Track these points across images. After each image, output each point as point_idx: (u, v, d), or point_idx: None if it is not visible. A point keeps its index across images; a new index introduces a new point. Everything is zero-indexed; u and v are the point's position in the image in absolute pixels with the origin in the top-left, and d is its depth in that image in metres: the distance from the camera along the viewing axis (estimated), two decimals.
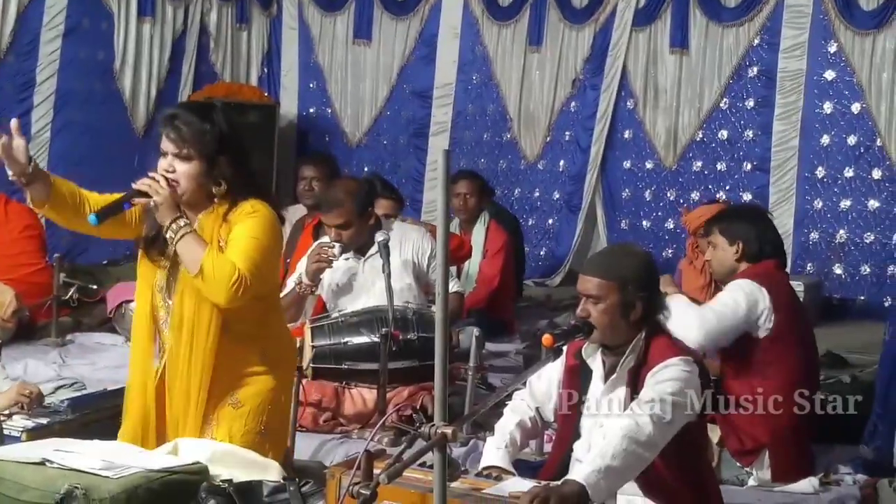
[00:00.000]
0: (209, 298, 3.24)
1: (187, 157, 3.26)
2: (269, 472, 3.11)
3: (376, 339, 4.64)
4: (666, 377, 3.17)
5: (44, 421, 4.02)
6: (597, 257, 3.73)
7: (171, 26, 9.04)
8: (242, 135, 3.46)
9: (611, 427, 3.14)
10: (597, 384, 3.35)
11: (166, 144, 3.29)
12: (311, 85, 10.02)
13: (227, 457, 3.10)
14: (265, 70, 10.02)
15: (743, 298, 4.27)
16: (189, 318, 3.30)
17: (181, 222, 3.20)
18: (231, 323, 3.32)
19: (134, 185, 3.24)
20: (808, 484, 4.26)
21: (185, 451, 3.09)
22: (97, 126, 8.56)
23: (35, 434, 3.84)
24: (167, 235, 3.21)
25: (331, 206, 5.03)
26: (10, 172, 3.17)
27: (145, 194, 3.22)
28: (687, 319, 4.11)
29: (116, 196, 3.30)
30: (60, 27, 8.18)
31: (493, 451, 3.46)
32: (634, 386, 3.23)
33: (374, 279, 4.96)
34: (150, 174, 3.25)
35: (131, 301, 6.22)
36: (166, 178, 3.23)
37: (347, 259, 5.10)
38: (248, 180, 3.37)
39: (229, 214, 3.30)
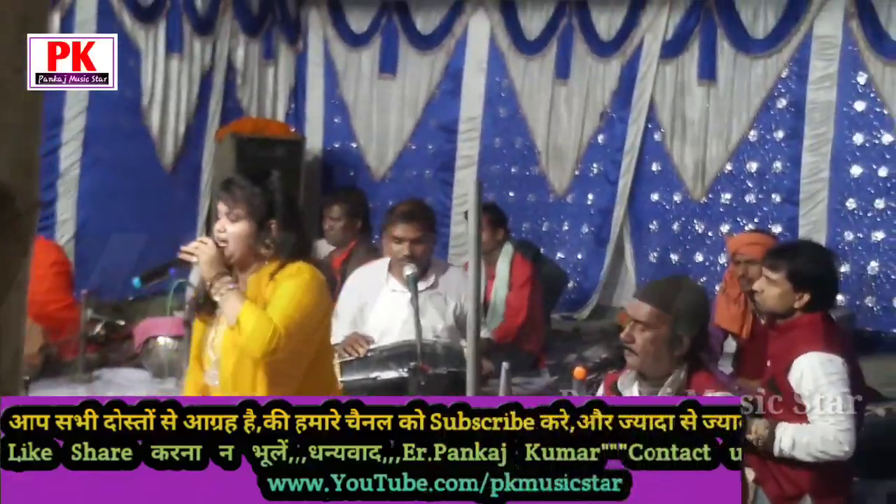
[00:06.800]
0: (246, 352, 3.34)
1: (237, 217, 3.46)
2: None
3: (405, 374, 4.59)
4: None
5: None
6: (655, 286, 3.68)
7: (199, 62, 9.05)
8: (296, 202, 3.71)
9: None
10: None
11: (220, 206, 3.51)
12: (336, 119, 10.02)
13: None
14: (292, 105, 10.03)
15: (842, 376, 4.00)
16: (232, 373, 3.42)
17: (224, 279, 3.40)
18: (276, 376, 3.39)
19: (179, 253, 3.49)
20: None
21: None
22: (126, 163, 8.57)
23: None
24: (210, 290, 3.41)
25: (412, 217, 5.00)
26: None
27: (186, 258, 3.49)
28: (826, 434, 3.89)
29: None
30: None
31: None
32: None
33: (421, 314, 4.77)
34: (199, 239, 3.50)
35: (158, 336, 6.29)
36: (214, 241, 3.46)
37: (394, 292, 5.08)
38: (298, 245, 3.52)
39: (276, 274, 3.43)
